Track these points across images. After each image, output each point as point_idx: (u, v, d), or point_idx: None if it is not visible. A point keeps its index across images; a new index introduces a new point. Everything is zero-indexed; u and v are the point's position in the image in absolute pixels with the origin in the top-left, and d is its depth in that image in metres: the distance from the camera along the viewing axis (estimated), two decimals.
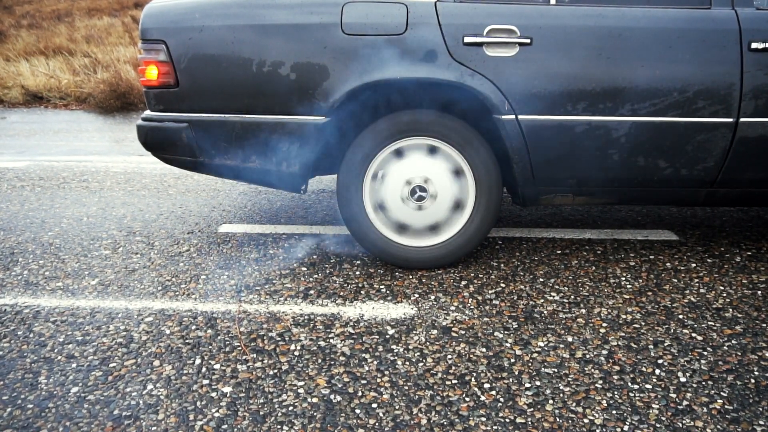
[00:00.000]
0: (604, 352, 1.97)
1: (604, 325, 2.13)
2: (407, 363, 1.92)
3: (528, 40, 2.26)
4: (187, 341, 2.05)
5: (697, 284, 2.43)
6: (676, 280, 2.46)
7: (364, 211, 2.51)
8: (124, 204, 3.49)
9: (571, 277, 2.50)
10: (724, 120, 2.30)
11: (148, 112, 2.55)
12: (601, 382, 1.81)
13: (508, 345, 2.01)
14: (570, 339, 2.04)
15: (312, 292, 2.40)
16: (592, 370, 1.87)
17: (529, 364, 1.90)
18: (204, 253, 2.78)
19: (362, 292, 2.39)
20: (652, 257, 2.69)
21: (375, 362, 1.92)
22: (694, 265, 2.61)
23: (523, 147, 2.36)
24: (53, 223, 3.23)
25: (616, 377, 1.83)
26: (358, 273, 2.56)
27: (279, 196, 3.63)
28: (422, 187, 2.46)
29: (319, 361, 1.93)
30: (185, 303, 2.32)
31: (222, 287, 2.44)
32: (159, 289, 2.43)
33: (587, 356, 1.94)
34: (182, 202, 3.53)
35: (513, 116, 2.32)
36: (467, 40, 2.27)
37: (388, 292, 2.39)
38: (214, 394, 1.77)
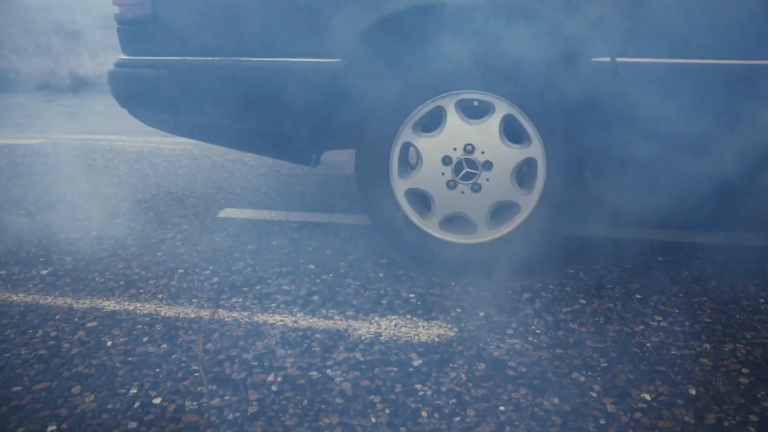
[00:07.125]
0: (754, 417, 1.24)
1: (744, 371, 1.39)
2: (437, 415, 1.25)
3: None
4: (129, 359, 1.46)
5: None
6: None
7: (391, 194, 1.86)
8: (121, 183, 2.97)
9: (681, 295, 1.76)
10: None
11: (121, 57, 2.00)
12: None
13: (594, 395, 1.31)
14: (693, 391, 1.32)
15: (316, 297, 1.77)
16: None
17: None
18: (191, 241, 2.19)
19: (383, 301, 1.74)
20: None
21: (387, 411, 1.26)
22: None
23: (621, 103, 1.65)
24: (30, 200, 2.73)
25: None
26: (381, 275, 1.91)
27: (301, 178, 3.02)
28: (471, 160, 1.78)
29: (305, 402, 1.30)
30: (146, 304, 1.73)
31: (200, 285, 1.85)
32: (120, 284, 1.86)
33: (725, 424, 1.22)
34: (187, 183, 2.98)
35: (608, 58, 1.61)
36: None
37: (419, 303, 1.73)
38: None
